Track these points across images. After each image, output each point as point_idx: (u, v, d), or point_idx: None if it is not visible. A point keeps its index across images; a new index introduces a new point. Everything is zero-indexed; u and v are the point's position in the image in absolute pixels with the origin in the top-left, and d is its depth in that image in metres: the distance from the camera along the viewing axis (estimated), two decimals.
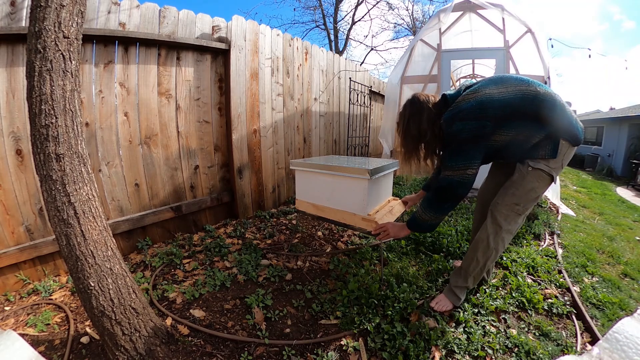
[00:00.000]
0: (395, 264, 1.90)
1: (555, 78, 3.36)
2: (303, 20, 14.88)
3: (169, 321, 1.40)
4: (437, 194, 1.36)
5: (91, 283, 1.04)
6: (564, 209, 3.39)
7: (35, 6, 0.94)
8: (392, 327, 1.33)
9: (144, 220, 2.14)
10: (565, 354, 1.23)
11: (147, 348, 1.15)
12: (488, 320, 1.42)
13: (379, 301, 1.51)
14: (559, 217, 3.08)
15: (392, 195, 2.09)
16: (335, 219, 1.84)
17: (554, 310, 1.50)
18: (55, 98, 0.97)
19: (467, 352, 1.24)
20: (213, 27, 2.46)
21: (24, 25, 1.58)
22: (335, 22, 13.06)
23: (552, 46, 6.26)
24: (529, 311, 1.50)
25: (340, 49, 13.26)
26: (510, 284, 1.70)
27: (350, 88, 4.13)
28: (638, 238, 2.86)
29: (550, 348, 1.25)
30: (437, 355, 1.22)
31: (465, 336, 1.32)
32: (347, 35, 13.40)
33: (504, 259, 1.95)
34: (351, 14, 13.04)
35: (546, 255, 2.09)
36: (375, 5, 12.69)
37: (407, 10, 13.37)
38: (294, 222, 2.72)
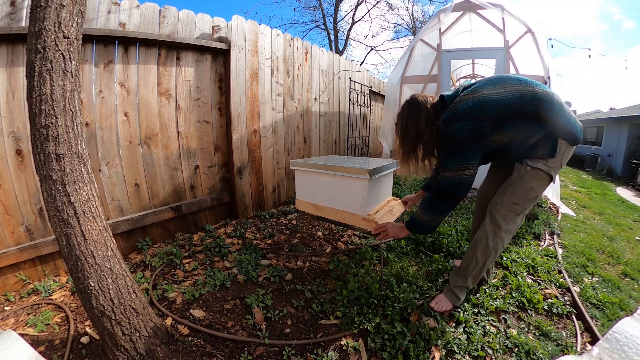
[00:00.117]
0: (395, 264, 1.90)
1: (555, 78, 3.36)
2: (303, 20, 14.90)
3: (169, 321, 1.40)
4: (435, 195, 1.36)
5: (91, 283, 1.04)
6: (564, 209, 3.39)
7: (35, 6, 0.94)
8: (392, 327, 1.33)
9: (144, 220, 2.14)
10: (565, 354, 1.23)
11: (147, 348, 1.15)
12: (488, 320, 1.42)
13: (379, 301, 1.51)
14: (559, 217, 3.08)
15: (392, 195, 2.10)
16: (335, 219, 1.84)
17: (554, 310, 1.50)
18: (55, 98, 0.97)
19: (467, 352, 1.24)
20: (213, 27, 2.46)
21: (24, 25, 1.58)
22: (335, 22, 13.06)
23: (552, 46, 6.27)
24: (529, 311, 1.50)
25: (340, 49, 13.27)
26: (510, 284, 1.70)
27: (350, 88, 4.13)
28: (638, 238, 2.86)
29: (550, 348, 1.25)
30: (437, 355, 1.22)
31: (465, 336, 1.32)
32: (347, 35, 13.41)
33: (504, 259, 1.95)
34: (351, 14, 13.05)
35: (546, 255, 2.09)
36: (375, 5, 12.70)
37: (407, 10, 13.39)
38: (294, 222, 2.72)
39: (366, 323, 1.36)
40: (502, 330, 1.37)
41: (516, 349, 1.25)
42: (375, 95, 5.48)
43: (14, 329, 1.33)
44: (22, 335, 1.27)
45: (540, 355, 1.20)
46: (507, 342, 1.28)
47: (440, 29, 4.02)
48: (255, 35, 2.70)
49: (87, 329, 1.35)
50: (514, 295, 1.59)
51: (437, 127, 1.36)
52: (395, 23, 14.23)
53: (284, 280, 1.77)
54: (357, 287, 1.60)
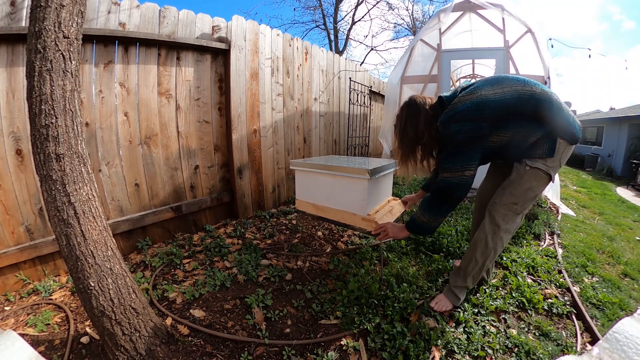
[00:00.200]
0: (395, 264, 1.90)
1: (555, 78, 3.36)
2: (303, 20, 14.90)
3: (169, 321, 1.40)
4: (435, 196, 1.36)
5: (91, 283, 1.04)
6: (564, 209, 3.39)
7: (35, 6, 0.94)
8: (392, 327, 1.33)
9: (144, 220, 2.14)
10: (565, 354, 1.23)
11: (147, 348, 1.15)
12: (488, 320, 1.42)
13: (379, 301, 1.51)
14: (559, 217, 3.08)
15: (392, 195, 2.10)
16: (335, 219, 1.84)
17: (554, 310, 1.50)
18: (55, 98, 0.97)
19: (467, 352, 1.24)
20: (213, 27, 2.46)
21: (24, 25, 1.58)
22: (335, 22, 13.06)
23: (552, 46, 6.27)
24: (529, 311, 1.50)
25: (340, 49, 13.27)
26: (510, 284, 1.70)
27: (350, 88, 4.13)
28: (638, 238, 2.86)
29: (550, 348, 1.25)
30: (437, 355, 1.22)
31: (465, 336, 1.32)
32: (347, 35, 13.40)
33: (504, 259, 1.95)
34: (351, 14, 13.05)
35: (546, 255, 2.09)
36: (375, 5, 12.70)
37: (407, 10, 13.39)
38: (294, 222, 2.72)
39: (366, 323, 1.36)
40: (502, 330, 1.37)
41: (516, 349, 1.25)
42: (375, 95, 5.48)
43: (14, 329, 1.33)
44: (22, 335, 1.27)
45: (540, 355, 1.20)
46: (507, 342, 1.28)
47: (440, 29, 4.02)
48: (255, 35, 2.70)
49: (87, 329, 1.35)
50: (514, 295, 1.59)
51: (436, 128, 1.36)
52: (395, 23, 14.24)
53: (284, 280, 1.77)
54: (357, 287, 1.60)
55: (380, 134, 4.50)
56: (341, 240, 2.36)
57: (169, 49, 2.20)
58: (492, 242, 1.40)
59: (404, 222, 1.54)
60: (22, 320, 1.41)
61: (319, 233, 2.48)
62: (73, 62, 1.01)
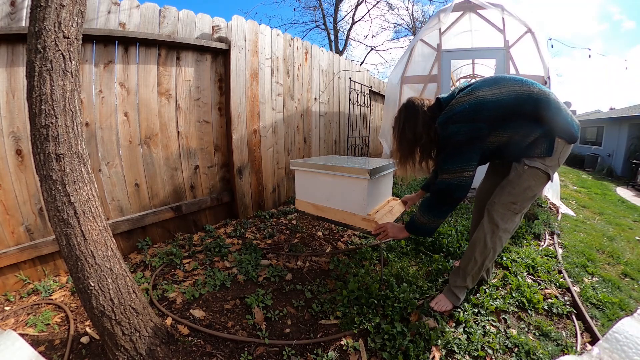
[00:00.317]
0: (395, 264, 1.90)
1: (555, 78, 3.36)
2: (303, 20, 14.90)
3: (169, 321, 1.40)
4: (435, 197, 1.36)
5: (91, 283, 1.04)
6: (564, 209, 3.39)
7: (35, 6, 0.94)
8: (392, 327, 1.33)
9: (144, 220, 2.14)
10: (565, 354, 1.23)
11: (147, 348, 1.15)
12: (488, 320, 1.42)
13: (379, 301, 1.51)
14: (559, 217, 3.08)
15: (392, 195, 2.10)
16: (335, 219, 1.84)
17: (554, 310, 1.50)
18: (55, 98, 0.97)
19: (467, 352, 1.24)
20: (213, 27, 2.46)
21: (24, 25, 1.58)
22: (335, 22, 13.06)
23: (552, 46, 6.26)
24: (529, 311, 1.50)
25: (340, 49, 13.26)
26: (510, 284, 1.70)
27: (350, 88, 4.13)
28: (638, 238, 2.86)
29: (550, 348, 1.25)
30: (437, 355, 1.22)
31: (465, 336, 1.32)
32: (347, 35, 13.40)
33: (504, 259, 1.95)
34: (351, 14, 13.05)
35: (546, 255, 2.09)
36: (375, 5, 12.69)
37: (407, 10, 13.37)
38: (294, 222, 2.72)
39: (366, 323, 1.36)
40: (502, 330, 1.37)
41: (516, 349, 1.25)
42: (375, 95, 5.48)
43: (14, 329, 1.33)
44: (22, 335, 1.27)
45: (540, 355, 1.20)
46: (507, 342, 1.28)
47: (440, 29, 4.02)
48: (255, 35, 2.70)
49: (87, 329, 1.35)
50: (514, 295, 1.59)
51: (434, 129, 1.36)
52: (395, 23, 14.23)
53: (284, 280, 1.77)
54: (357, 287, 1.60)
55: (380, 134, 4.50)
56: (341, 240, 2.35)
57: (169, 49, 2.20)
58: (491, 241, 1.40)
59: (403, 222, 1.54)
60: (22, 320, 1.41)
61: (319, 233, 2.48)
62: (73, 62, 1.01)
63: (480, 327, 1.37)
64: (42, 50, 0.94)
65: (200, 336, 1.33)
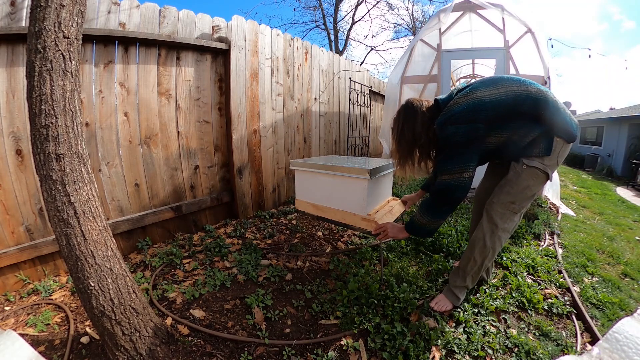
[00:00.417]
0: (395, 264, 1.90)
1: (555, 78, 3.36)
2: (303, 20, 14.90)
3: (169, 321, 1.40)
4: (434, 198, 1.36)
5: (91, 283, 1.04)
6: (564, 209, 3.39)
7: (35, 6, 0.94)
8: (392, 327, 1.33)
9: (144, 220, 2.14)
10: (565, 354, 1.23)
11: (147, 348, 1.15)
12: (488, 320, 1.42)
13: (379, 301, 1.51)
14: (559, 217, 3.08)
15: (392, 195, 2.10)
16: (335, 219, 1.84)
17: (554, 310, 1.50)
18: (55, 98, 0.97)
19: (467, 352, 1.24)
20: (213, 27, 2.46)
21: (24, 25, 1.58)
22: (335, 22, 13.06)
23: (552, 46, 6.26)
24: (529, 311, 1.50)
25: (340, 49, 13.26)
26: (510, 284, 1.70)
27: (350, 88, 4.13)
28: (638, 238, 2.86)
29: (550, 348, 1.25)
30: (437, 355, 1.22)
31: (465, 336, 1.32)
32: (347, 35, 13.40)
33: (504, 259, 1.95)
34: (351, 14, 13.05)
35: (546, 255, 2.09)
36: (375, 5, 12.69)
37: (407, 10, 13.38)
38: (294, 222, 2.72)
39: (366, 323, 1.36)
40: (502, 330, 1.37)
41: (516, 349, 1.25)
42: (375, 95, 5.47)
43: (14, 329, 1.33)
44: (22, 335, 1.27)
45: (540, 355, 1.20)
46: (507, 342, 1.28)
47: (440, 29, 4.02)
48: (255, 35, 2.70)
49: (87, 329, 1.35)
50: (514, 295, 1.59)
51: (433, 130, 1.36)
52: (395, 23, 14.24)
53: (284, 280, 1.77)
54: (357, 287, 1.60)
55: (380, 134, 4.50)
56: (341, 240, 2.35)
57: (169, 49, 2.20)
58: (490, 241, 1.40)
59: (403, 222, 1.54)
60: (22, 320, 1.41)
61: (319, 233, 2.48)
62: (73, 62, 1.01)
63: (480, 327, 1.37)
64: (42, 50, 0.94)
65: (200, 336, 1.33)
